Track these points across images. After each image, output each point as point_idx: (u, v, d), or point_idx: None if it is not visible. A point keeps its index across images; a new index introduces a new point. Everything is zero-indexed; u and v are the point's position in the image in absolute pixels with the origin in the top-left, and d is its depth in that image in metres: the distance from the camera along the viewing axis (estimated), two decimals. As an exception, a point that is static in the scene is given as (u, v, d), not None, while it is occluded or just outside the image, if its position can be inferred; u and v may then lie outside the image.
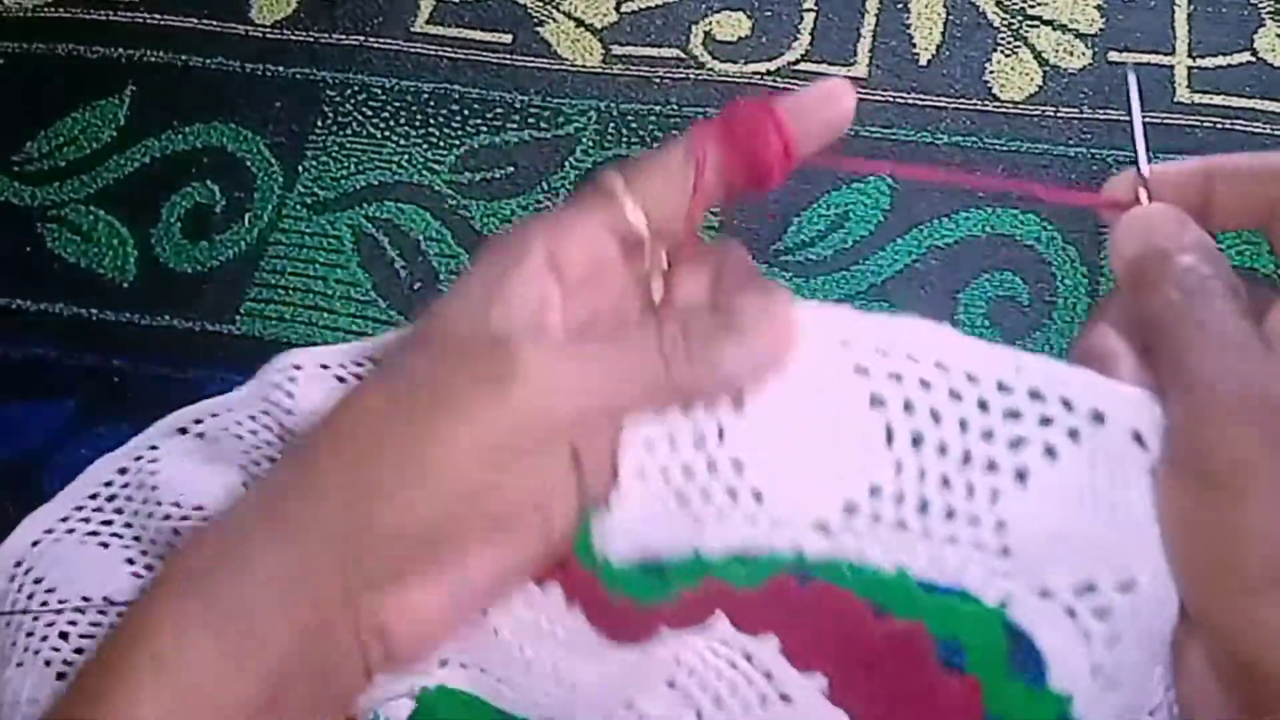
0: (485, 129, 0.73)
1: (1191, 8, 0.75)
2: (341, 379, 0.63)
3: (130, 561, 0.54)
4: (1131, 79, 0.32)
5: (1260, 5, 0.75)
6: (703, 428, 0.29)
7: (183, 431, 0.60)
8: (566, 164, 0.72)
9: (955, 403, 0.30)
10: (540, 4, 0.78)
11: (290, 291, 0.68)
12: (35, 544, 0.53)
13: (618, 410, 0.28)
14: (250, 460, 0.58)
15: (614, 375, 0.28)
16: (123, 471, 0.58)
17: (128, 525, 0.55)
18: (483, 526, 0.28)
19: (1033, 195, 0.32)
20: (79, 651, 0.44)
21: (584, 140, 0.72)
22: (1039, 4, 0.76)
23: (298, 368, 0.61)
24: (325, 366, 0.62)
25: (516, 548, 0.29)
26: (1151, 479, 0.29)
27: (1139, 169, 0.30)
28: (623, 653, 0.31)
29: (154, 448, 0.58)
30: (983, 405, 0.30)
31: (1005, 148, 0.71)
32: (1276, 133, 0.70)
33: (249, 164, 0.73)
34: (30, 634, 0.45)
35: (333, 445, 0.28)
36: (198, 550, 0.29)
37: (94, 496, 0.56)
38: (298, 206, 0.71)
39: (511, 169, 0.72)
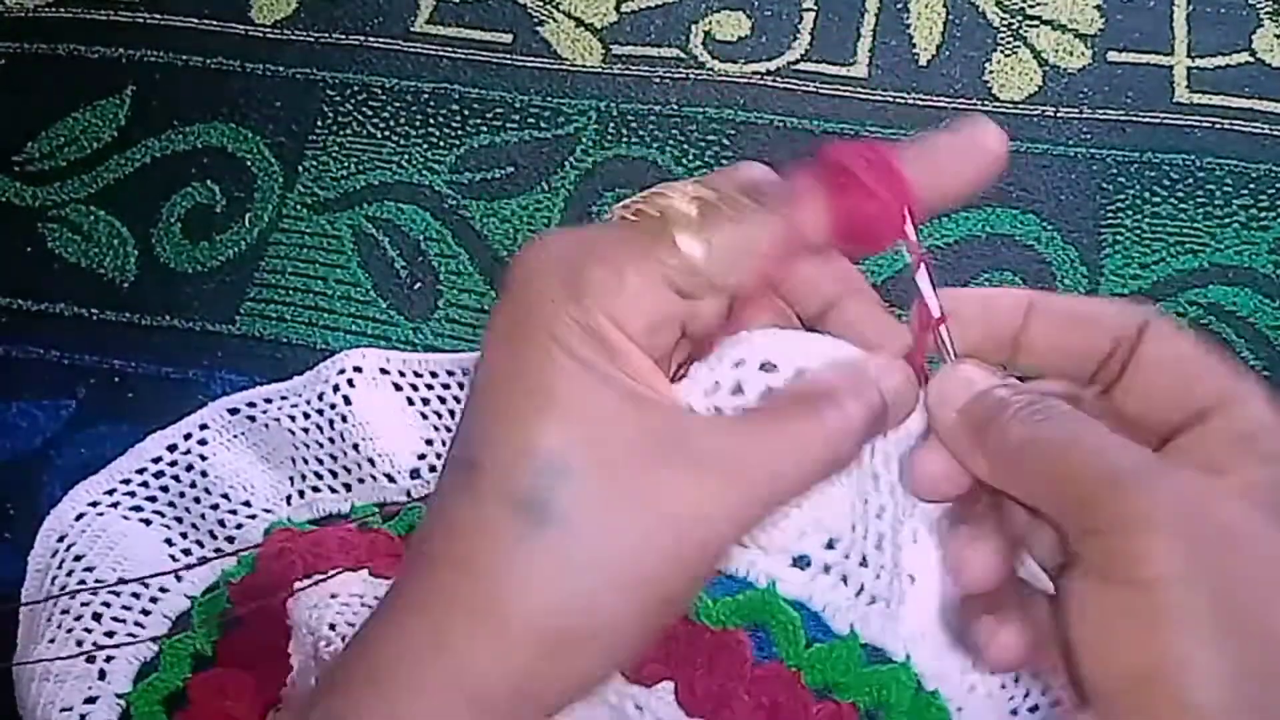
0: (485, 129, 0.73)
1: (1190, 8, 0.75)
2: (399, 386, 0.62)
3: (169, 542, 0.53)
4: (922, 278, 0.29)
5: (1259, 6, 0.75)
6: None
7: (234, 412, 0.59)
8: (566, 164, 0.72)
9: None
10: (540, 4, 0.78)
11: (290, 291, 0.68)
12: (79, 517, 0.52)
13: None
14: (300, 457, 0.57)
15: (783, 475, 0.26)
16: (172, 449, 0.57)
17: (171, 505, 0.55)
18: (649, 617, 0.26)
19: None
20: (110, 635, 0.44)
21: (584, 140, 0.72)
22: (1038, 4, 0.76)
23: (358, 370, 0.60)
24: (385, 371, 0.61)
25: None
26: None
27: (933, 310, 0.28)
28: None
29: (204, 426, 0.57)
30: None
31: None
32: (1275, 133, 0.70)
33: (249, 164, 0.73)
34: (65, 612, 0.44)
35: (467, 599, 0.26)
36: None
37: (141, 471, 0.55)
38: (298, 206, 0.71)
39: (511, 169, 0.72)
